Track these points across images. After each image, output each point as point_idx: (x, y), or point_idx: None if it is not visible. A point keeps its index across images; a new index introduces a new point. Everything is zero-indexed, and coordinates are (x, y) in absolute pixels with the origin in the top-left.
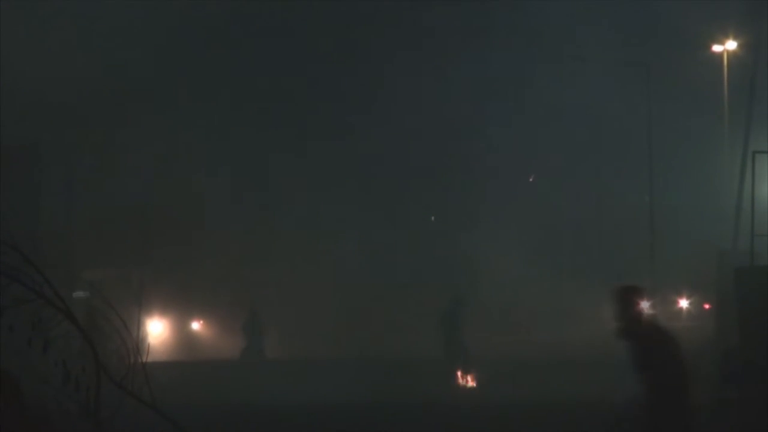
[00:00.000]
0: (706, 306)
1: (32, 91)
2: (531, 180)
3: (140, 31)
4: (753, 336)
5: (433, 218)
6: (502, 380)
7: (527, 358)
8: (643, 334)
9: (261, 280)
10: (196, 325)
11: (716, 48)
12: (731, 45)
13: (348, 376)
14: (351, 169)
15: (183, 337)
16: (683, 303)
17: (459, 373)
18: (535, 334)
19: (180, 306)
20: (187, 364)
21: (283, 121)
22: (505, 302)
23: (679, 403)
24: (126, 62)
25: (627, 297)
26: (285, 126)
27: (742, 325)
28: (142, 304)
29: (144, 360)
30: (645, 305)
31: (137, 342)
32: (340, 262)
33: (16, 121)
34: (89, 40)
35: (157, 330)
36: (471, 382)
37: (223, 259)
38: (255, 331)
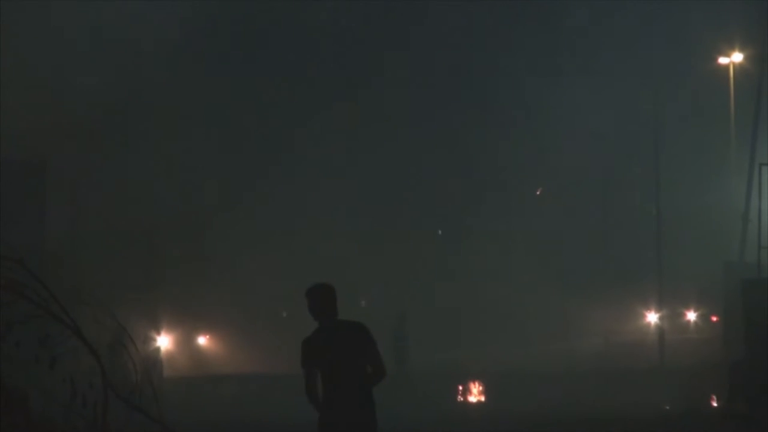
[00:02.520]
0: (714, 318)
1: (37, 106)
2: (538, 193)
3: (147, 44)
4: (760, 347)
5: (440, 232)
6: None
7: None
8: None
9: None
10: (202, 340)
11: (722, 60)
12: (737, 57)
13: None
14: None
15: (190, 352)
16: (690, 315)
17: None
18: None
19: (187, 320)
20: (194, 379)
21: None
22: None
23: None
24: (133, 76)
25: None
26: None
27: (749, 336)
28: (150, 319)
29: (151, 375)
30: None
31: (144, 357)
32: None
33: (21, 136)
34: (95, 54)
35: (163, 344)
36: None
37: (227, 273)
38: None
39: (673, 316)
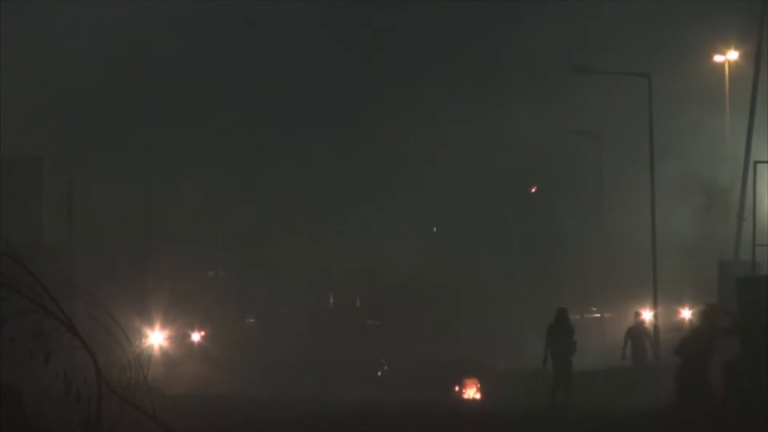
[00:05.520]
0: None
1: (35, 104)
2: (533, 191)
3: (148, 45)
4: (755, 345)
5: (435, 229)
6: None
7: None
8: None
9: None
10: (197, 336)
11: (718, 58)
12: (733, 55)
13: None
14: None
15: (184, 348)
16: (685, 313)
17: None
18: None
19: (181, 317)
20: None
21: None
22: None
23: None
24: (130, 77)
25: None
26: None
27: (744, 334)
28: (144, 315)
29: (145, 371)
30: None
31: (138, 353)
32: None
33: (19, 134)
34: (92, 55)
35: (158, 341)
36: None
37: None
38: None
39: (668, 314)
